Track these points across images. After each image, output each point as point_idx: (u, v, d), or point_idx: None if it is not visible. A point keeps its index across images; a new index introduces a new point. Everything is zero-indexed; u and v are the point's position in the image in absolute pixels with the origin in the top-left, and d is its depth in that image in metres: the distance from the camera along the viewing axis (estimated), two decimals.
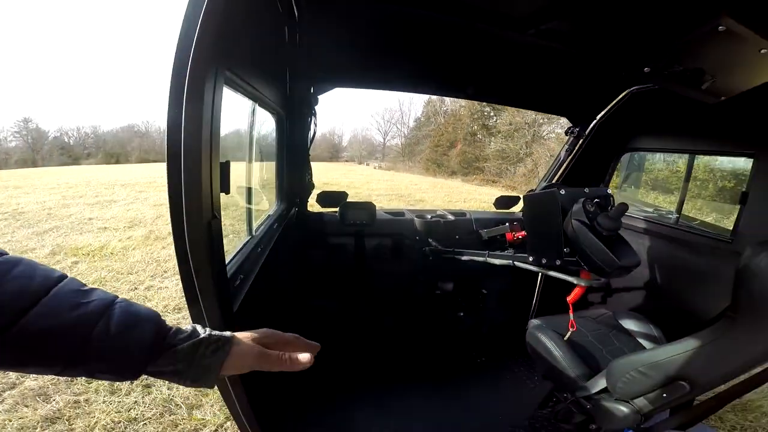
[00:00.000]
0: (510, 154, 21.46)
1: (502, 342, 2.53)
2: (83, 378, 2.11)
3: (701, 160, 2.91)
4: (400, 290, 2.39)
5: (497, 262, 1.69)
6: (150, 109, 79.13)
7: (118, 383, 2.11)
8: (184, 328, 0.53)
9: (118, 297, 0.50)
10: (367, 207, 2.14)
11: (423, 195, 12.78)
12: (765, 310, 0.92)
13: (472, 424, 1.84)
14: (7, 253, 0.45)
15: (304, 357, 0.57)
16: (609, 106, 2.12)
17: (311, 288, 2.21)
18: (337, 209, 2.14)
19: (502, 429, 1.81)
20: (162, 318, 0.52)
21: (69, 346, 0.44)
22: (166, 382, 2.11)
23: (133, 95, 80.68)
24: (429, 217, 2.35)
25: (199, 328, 0.53)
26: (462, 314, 2.51)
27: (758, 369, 1.08)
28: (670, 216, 2.15)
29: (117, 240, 5.22)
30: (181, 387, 2.13)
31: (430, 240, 2.25)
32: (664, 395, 1.14)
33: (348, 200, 2.17)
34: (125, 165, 30.25)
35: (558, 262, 1.27)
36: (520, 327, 1.79)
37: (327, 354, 2.26)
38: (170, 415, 1.91)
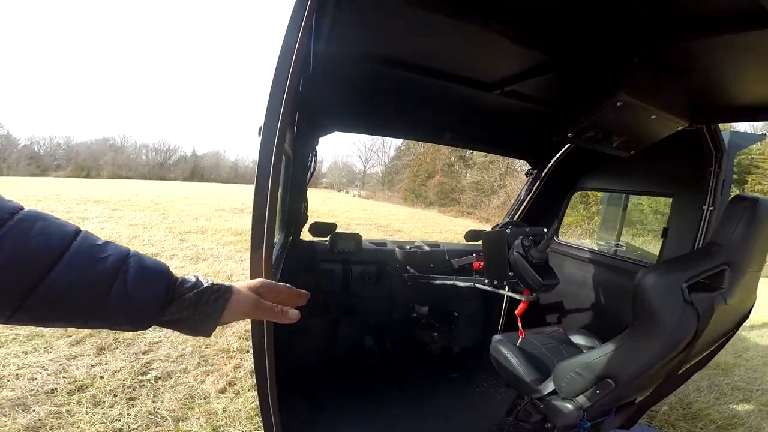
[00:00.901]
0: (485, 186, 22.39)
1: (471, 359, 2.76)
2: (64, 390, 2.16)
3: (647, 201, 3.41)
4: (381, 312, 2.59)
5: (462, 284, 1.98)
6: (128, 123, 77.85)
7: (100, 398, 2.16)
8: (188, 278, 0.57)
9: (130, 250, 0.53)
10: (355, 237, 2.41)
11: (401, 225, 13.07)
12: (652, 318, 1.23)
13: (446, 429, 2.03)
14: (23, 208, 0.45)
15: (293, 313, 0.64)
16: (560, 152, 2.52)
17: (302, 308, 2.37)
18: (327, 239, 2.37)
19: None
20: (170, 270, 0.56)
21: (91, 301, 0.46)
22: (150, 395, 2.19)
23: (111, 107, 79.10)
24: (408, 247, 2.61)
25: (200, 277, 0.57)
26: (436, 334, 2.71)
27: (676, 368, 1.35)
28: (610, 247, 2.51)
29: None
30: (165, 399, 2.20)
31: (408, 267, 2.48)
32: (597, 392, 1.39)
33: (337, 231, 2.41)
34: (96, 180, 29.28)
35: (505, 283, 1.62)
36: (487, 345, 2.02)
37: (314, 367, 2.42)
38: (156, 427, 1.97)
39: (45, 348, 2.61)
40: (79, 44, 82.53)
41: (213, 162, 52.71)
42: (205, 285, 0.56)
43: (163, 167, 47.49)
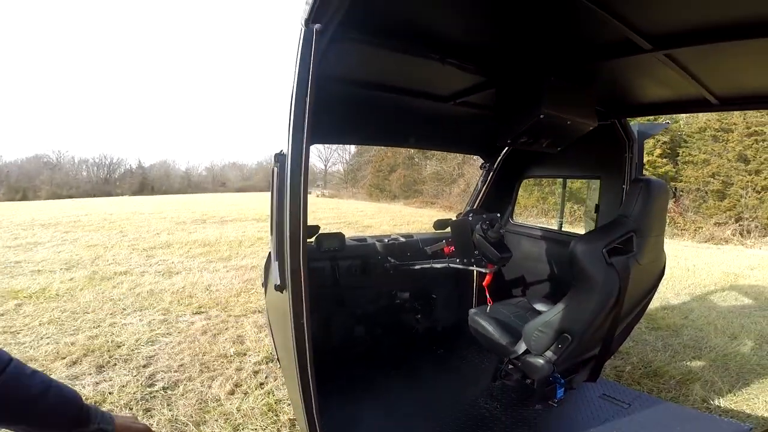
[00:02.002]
0: (445, 175, 23.14)
1: (453, 334, 3.11)
2: None
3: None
4: (369, 301, 2.85)
5: (438, 266, 2.32)
6: (61, 137, 71.61)
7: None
8: (92, 408, 0.72)
9: (52, 380, 0.67)
10: (338, 236, 2.66)
11: (370, 221, 13.31)
12: (585, 279, 1.61)
13: (444, 401, 2.32)
14: None
15: None
16: (507, 148, 2.94)
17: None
18: (312, 239, 2.59)
19: (467, 400, 2.31)
20: (81, 399, 0.71)
21: (18, 416, 0.61)
22: (164, 404, 2.32)
23: (39, 120, 72.20)
24: (386, 240, 2.90)
25: (96, 412, 0.72)
26: (419, 316, 3.02)
27: (614, 321, 1.72)
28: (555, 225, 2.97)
29: (59, 282, 4.99)
30: (180, 406, 2.34)
31: (389, 258, 2.76)
32: (559, 346, 1.74)
33: (321, 232, 2.63)
34: (35, 202, 26.93)
35: (473, 260, 2.00)
36: (465, 320, 2.34)
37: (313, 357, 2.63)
38: None
39: (43, 371, 2.59)
40: None
41: (162, 173, 49.90)
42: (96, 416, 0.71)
43: (108, 182, 44.37)
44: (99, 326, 3.55)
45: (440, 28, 1.48)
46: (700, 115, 13.99)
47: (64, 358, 2.84)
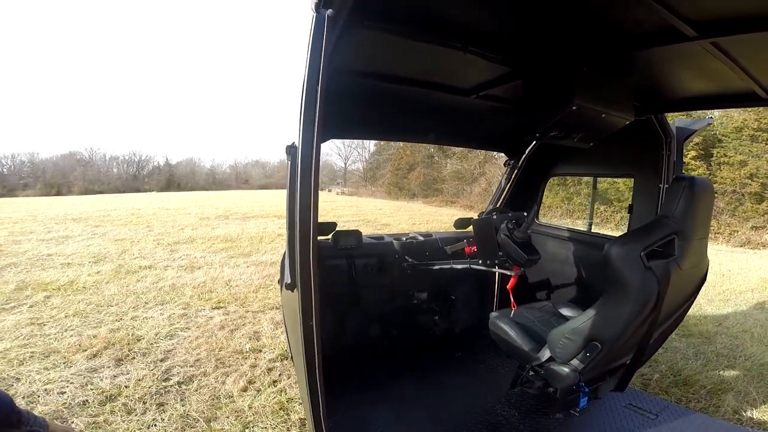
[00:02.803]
0: (465, 174, 22.78)
1: (472, 337, 3.00)
2: (95, 401, 2.28)
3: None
4: (385, 300, 2.78)
5: (459, 267, 2.21)
6: (94, 135, 74.91)
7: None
8: (24, 412, 0.74)
9: None
10: (355, 234, 2.59)
11: (388, 219, 13.27)
12: (621, 284, 1.49)
13: (458, 406, 2.24)
14: None
15: None
16: (533, 143, 2.80)
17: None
18: (329, 237, 2.53)
19: (484, 406, 2.22)
20: (14, 403, 0.73)
21: None
22: (178, 399, 2.33)
23: (74, 119, 75.66)
24: (404, 239, 2.82)
25: (29, 416, 0.74)
26: (437, 317, 2.93)
27: (650, 329, 1.59)
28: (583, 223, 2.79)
29: (86, 275, 5.15)
30: (192, 402, 2.34)
31: (406, 257, 2.68)
32: (587, 354, 1.62)
33: (338, 229, 2.58)
34: (68, 197, 28.23)
35: (496, 262, 1.89)
36: (486, 323, 2.24)
37: (328, 355, 2.59)
38: (191, 429, 2.11)
39: (64, 363, 2.72)
40: (34, 55, 78.54)
41: (188, 170, 51.37)
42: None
43: (137, 179, 46.02)
44: (121, 319, 3.63)
45: (461, 15, 1.37)
46: (736, 114, 13.25)
47: (86, 350, 2.90)
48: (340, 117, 2.28)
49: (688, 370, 3.00)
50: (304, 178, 1.07)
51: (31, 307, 3.88)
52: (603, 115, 1.67)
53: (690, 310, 1.93)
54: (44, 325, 3.42)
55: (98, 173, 44.22)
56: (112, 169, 46.82)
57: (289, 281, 1.30)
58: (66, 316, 3.63)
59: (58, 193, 35.35)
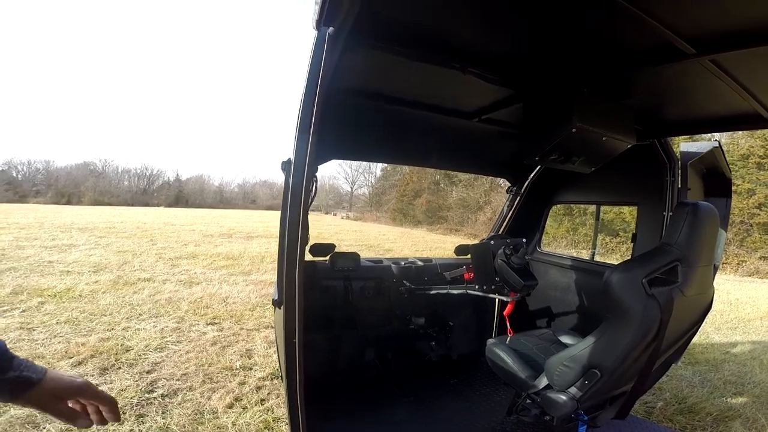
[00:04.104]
0: (471, 202, 22.80)
1: (469, 364, 2.90)
2: None
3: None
4: (381, 324, 2.71)
5: (456, 292, 2.16)
6: (108, 146, 76.63)
7: None
8: (18, 358, 0.66)
9: None
10: (353, 256, 2.57)
11: (391, 245, 13.25)
12: (621, 311, 1.44)
13: None
14: None
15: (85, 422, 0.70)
16: (536, 170, 2.79)
17: (306, 324, 2.48)
18: (327, 258, 2.51)
19: None
20: (7, 348, 0.65)
21: None
22: (159, 411, 2.25)
23: (90, 129, 77.46)
24: (403, 263, 2.78)
25: (22, 362, 0.66)
26: (433, 343, 2.84)
27: (653, 357, 1.52)
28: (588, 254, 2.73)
29: (84, 284, 5.13)
30: (174, 415, 2.25)
31: (404, 281, 2.64)
32: (586, 382, 1.54)
33: (336, 251, 2.56)
34: (78, 207, 28.63)
35: (493, 287, 1.83)
36: (484, 350, 2.17)
37: (320, 378, 2.50)
38: None
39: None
40: (56, 64, 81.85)
41: (197, 187, 52.06)
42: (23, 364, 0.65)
43: (146, 193, 46.69)
44: (113, 329, 3.57)
45: (461, 36, 1.39)
46: (742, 141, 13.20)
47: (71, 357, 2.84)
48: (342, 137, 2.31)
49: (693, 397, 2.90)
50: (294, 195, 1.07)
51: (23, 311, 3.84)
52: (604, 138, 1.66)
53: (696, 337, 1.85)
54: (33, 330, 3.37)
55: (109, 185, 44.93)
56: (123, 181, 47.58)
57: (276, 298, 1.26)
58: (57, 323, 3.58)
59: (68, 202, 35.91)
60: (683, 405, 2.77)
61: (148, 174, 48.62)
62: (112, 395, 0.78)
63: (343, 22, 1.01)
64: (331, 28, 1.03)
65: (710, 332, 4.62)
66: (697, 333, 1.83)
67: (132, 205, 35.40)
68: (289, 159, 1.24)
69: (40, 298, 4.30)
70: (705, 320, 1.79)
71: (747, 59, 1.28)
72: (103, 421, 0.72)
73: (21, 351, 2.88)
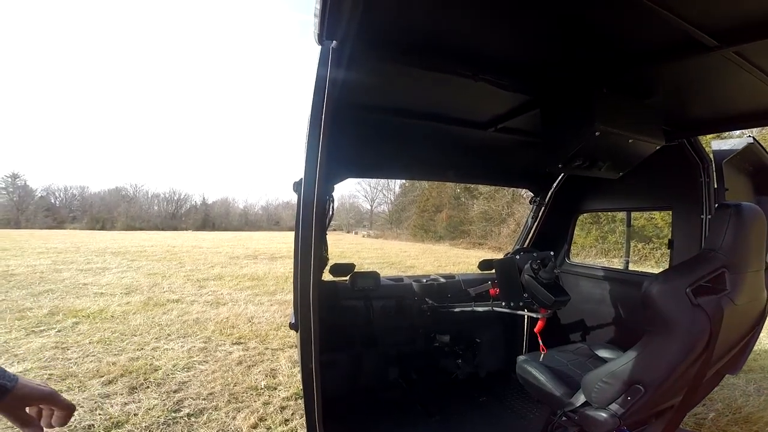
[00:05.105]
0: (493, 215, 22.39)
1: (499, 382, 2.77)
2: (101, 426, 2.21)
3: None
4: (404, 343, 2.66)
5: (481, 309, 2.08)
6: (138, 170, 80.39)
7: None
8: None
9: None
10: (373, 275, 2.54)
11: (413, 261, 13.12)
12: (664, 323, 1.33)
13: None
14: None
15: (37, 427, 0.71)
16: (559, 178, 2.72)
17: (325, 345, 2.45)
18: (347, 278, 2.50)
19: None
20: None
21: None
22: (185, 431, 2.24)
23: (121, 154, 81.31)
24: (424, 280, 2.73)
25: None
26: (460, 361, 2.74)
27: (702, 370, 1.40)
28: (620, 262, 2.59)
29: (116, 305, 5.30)
30: None
31: (427, 299, 2.58)
32: (628, 398, 1.43)
33: (356, 270, 2.54)
34: (111, 232, 29.96)
35: (521, 304, 1.73)
36: (513, 366, 2.06)
37: (344, 399, 2.43)
38: None
39: (79, 387, 2.73)
40: (87, 92, 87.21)
41: (223, 210, 53.64)
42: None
43: (174, 217, 48.47)
44: (142, 349, 3.64)
45: (469, 41, 1.34)
46: None
47: (102, 376, 2.91)
48: (357, 155, 2.32)
49: (749, 407, 2.69)
50: (306, 215, 1.05)
51: (59, 331, 3.99)
52: (630, 141, 1.58)
53: None
54: (68, 349, 3.48)
55: (140, 209, 46.86)
56: (153, 206, 49.63)
57: (293, 321, 1.24)
58: (90, 342, 3.70)
59: (103, 228, 37.68)
60: (738, 415, 2.58)
61: (176, 198, 50.61)
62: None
63: (345, 34, 1.00)
64: (334, 42, 1.01)
65: (762, 337, 4.25)
66: (755, 341, 1.69)
67: (162, 230, 36.75)
68: (301, 179, 1.24)
69: (75, 319, 4.46)
70: (761, 328, 1.65)
71: None
72: (50, 426, 0.74)
73: (55, 369, 2.99)
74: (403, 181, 37.91)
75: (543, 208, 2.91)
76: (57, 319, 4.42)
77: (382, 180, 43.16)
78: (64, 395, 2.45)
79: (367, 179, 43.40)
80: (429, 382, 2.66)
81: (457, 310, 2.31)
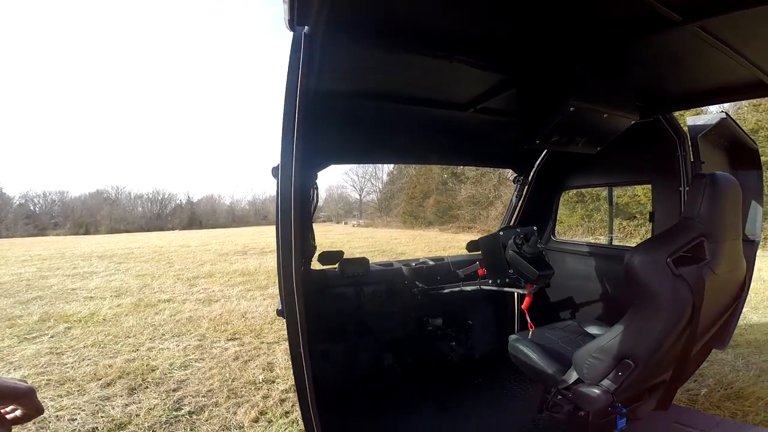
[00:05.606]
0: (480, 198, 22.61)
1: (493, 363, 2.82)
2: (104, 428, 2.23)
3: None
4: (396, 328, 2.69)
5: (469, 289, 2.12)
6: (119, 172, 77.96)
7: None
8: None
9: None
10: (362, 261, 2.56)
11: (404, 248, 13.22)
12: (649, 295, 1.35)
13: None
14: None
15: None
16: (541, 157, 2.78)
17: (318, 334, 2.48)
18: (336, 265, 2.51)
19: None
20: None
21: None
22: (188, 428, 2.27)
23: (99, 156, 77.84)
24: (414, 264, 2.75)
25: None
26: (453, 344, 2.80)
27: (689, 342, 1.45)
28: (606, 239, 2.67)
29: (107, 308, 5.24)
30: (202, 431, 2.27)
31: (417, 282, 2.61)
32: (619, 373, 1.46)
33: (344, 257, 2.55)
34: (96, 236, 29.32)
35: (507, 280, 1.78)
36: (506, 347, 2.09)
37: (339, 387, 2.45)
38: None
39: (78, 391, 2.72)
40: (58, 93, 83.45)
41: (209, 208, 52.64)
42: None
43: (160, 217, 47.40)
44: (137, 350, 3.63)
45: (443, 21, 1.34)
46: (749, 116, 12.87)
47: (100, 379, 2.90)
48: (338, 142, 2.31)
49: (740, 382, 2.76)
50: (284, 201, 1.05)
51: (51, 337, 3.95)
52: (605, 116, 1.61)
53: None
54: (62, 354, 3.46)
55: (124, 212, 45.68)
56: (137, 207, 48.37)
57: (280, 308, 1.25)
58: (84, 347, 3.67)
59: (86, 232, 36.77)
60: (730, 390, 2.65)
61: (160, 198, 49.32)
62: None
63: (317, 18, 0.98)
64: (306, 27, 1.00)
65: (747, 312, 4.44)
66: (739, 314, 1.75)
67: (147, 231, 36.04)
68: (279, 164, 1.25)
69: (67, 324, 4.41)
70: (744, 300, 1.70)
71: (737, 24, 1.22)
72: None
73: (52, 375, 2.98)
74: (391, 169, 37.87)
75: (526, 186, 2.95)
76: (48, 325, 4.37)
77: (370, 169, 43.02)
78: (64, 400, 2.47)
79: (355, 169, 43.26)
80: (424, 366, 2.70)
81: (446, 291, 2.34)
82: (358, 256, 2.55)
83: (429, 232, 22.90)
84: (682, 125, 2.07)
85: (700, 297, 1.31)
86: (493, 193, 21.81)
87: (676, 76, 1.77)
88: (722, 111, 2.04)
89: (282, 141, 1.04)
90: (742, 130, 2.08)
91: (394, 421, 2.24)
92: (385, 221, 31.95)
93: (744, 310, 4.30)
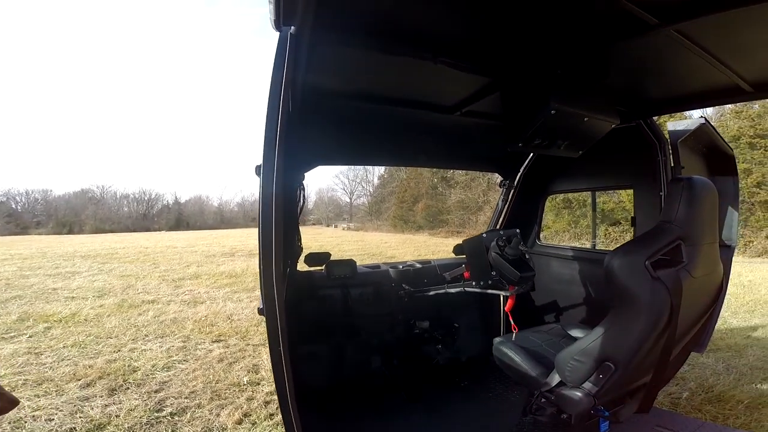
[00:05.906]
0: (470, 203, 22.79)
1: (479, 365, 2.84)
2: (82, 429, 2.17)
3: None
4: (383, 330, 2.68)
5: (454, 291, 2.14)
6: (105, 171, 76.47)
7: None
8: None
9: None
10: (349, 263, 2.56)
11: (393, 252, 13.25)
12: (628, 297, 1.36)
13: None
14: None
15: None
16: (527, 161, 2.82)
17: (304, 336, 2.47)
18: (322, 267, 2.50)
19: None
20: None
21: None
22: (168, 430, 2.24)
23: (85, 154, 76.72)
24: (401, 266, 2.76)
25: None
26: (440, 346, 2.81)
27: (669, 344, 1.47)
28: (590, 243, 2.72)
29: (89, 308, 5.13)
30: None
31: (403, 285, 2.61)
32: (600, 376, 1.48)
33: (331, 259, 2.55)
34: (80, 236, 28.65)
35: (490, 282, 1.81)
36: (491, 350, 2.09)
37: (325, 389, 2.42)
38: None
39: (56, 391, 2.66)
40: (43, 90, 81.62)
41: (197, 209, 51.87)
42: None
43: (146, 218, 46.55)
44: (119, 351, 3.56)
45: (428, 23, 1.36)
46: (731, 123, 13.24)
47: (80, 379, 2.83)
48: (326, 143, 2.31)
49: (720, 385, 2.80)
50: (265, 199, 1.05)
51: (30, 337, 3.85)
52: (585, 119, 1.65)
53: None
54: (41, 354, 3.38)
55: (109, 212, 44.75)
56: (123, 207, 47.40)
57: (261, 306, 1.24)
58: (64, 347, 3.58)
59: (70, 232, 35.91)
60: (711, 394, 2.68)
61: (146, 198, 48.46)
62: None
63: (302, 19, 0.99)
64: (292, 28, 1.01)
65: (727, 317, 4.54)
66: (716, 317, 1.77)
67: (133, 231, 35.39)
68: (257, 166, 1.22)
69: (46, 324, 4.31)
70: (722, 304, 1.73)
71: (712, 27, 1.26)
72: None
73: (30, 375, 2.90)
74: (382, 172, 37.95)
75: (512, 190, 2.99)
76: (27, 324, 4.26)
77: (361, 172, 43.03)
78: (42, 400, 2.42)
79: (346, 172, 43.22)
80: (411, 369, 2.70)
81: (432, 293, 2.35)
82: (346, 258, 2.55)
83: (419, 236, 22.98)
84: (663, 130, 2.12)
85: (678, 299, 1.33)
86: (482, 198, 22.03)
87: (656, 80, 1.81)
88: (702, 117, 2.10)
89: (265, 138, 1.04)
90: (720, 137, 2.14)
91: (380, 424, 2.23)
92: (376, 225, 31.96)
93: (724, 314, 4.44)
